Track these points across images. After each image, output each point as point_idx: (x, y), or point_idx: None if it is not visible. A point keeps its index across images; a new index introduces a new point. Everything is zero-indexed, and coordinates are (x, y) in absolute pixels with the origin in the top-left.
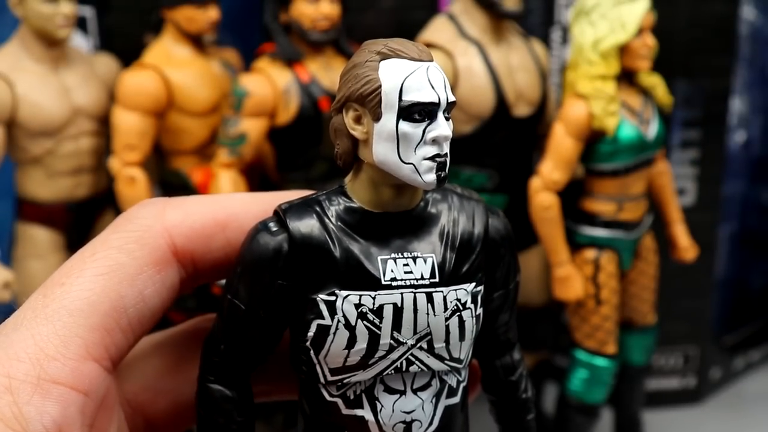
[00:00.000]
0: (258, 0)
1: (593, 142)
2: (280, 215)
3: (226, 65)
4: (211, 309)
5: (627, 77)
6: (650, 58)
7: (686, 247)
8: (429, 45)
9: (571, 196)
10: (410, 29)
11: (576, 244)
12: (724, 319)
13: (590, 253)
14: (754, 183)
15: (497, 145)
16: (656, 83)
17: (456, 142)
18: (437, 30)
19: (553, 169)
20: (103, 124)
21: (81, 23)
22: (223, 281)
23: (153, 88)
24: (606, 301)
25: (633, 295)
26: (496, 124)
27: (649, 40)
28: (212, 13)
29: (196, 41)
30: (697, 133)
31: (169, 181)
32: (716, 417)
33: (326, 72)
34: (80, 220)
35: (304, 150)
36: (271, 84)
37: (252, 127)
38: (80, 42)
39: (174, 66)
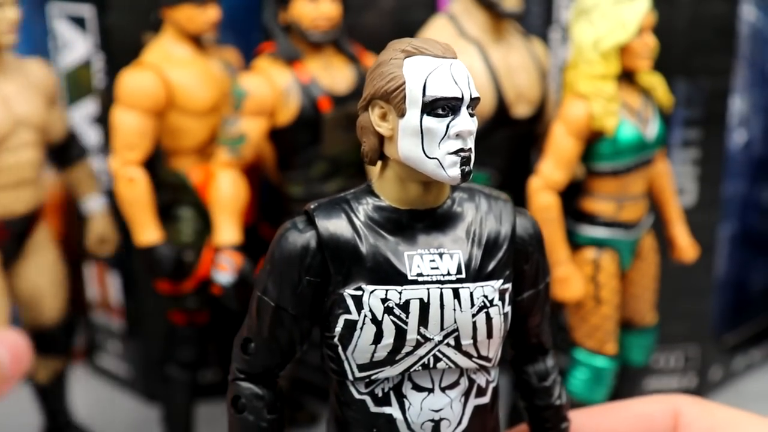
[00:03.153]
0: None
1: (593, 141)
2: (309, 214)
3: (226, 65)
4: (211, 309)
5: (627, 77)
6: (650, 57)
7: (686, 246)
8: None
9: (571, 195)
10: (410, 29)
11: (576, 243)
12: (725, 318)
13: (590, 253)
14: (754, 183)
15: (497, 145)
16: (656, 83)
17: None
18: (437, 30)
19: (553, 168)
20: (42, 134)
21: (80, 22)
22: (222, 280)
23: (152, 87)
24: (606, 301)
25: (633, 296)
26: (495, 124)
27: (650, 40)
28: (212, 13)
29: (195, 41)
30: (698, 132)
31: (168, 181)
32: None
33: (326, 72)
34: (16, 237)
35: (304, 150)
36: (270, 84)
37: (251, 127)
38: (79, 41)
39: (174, 65)
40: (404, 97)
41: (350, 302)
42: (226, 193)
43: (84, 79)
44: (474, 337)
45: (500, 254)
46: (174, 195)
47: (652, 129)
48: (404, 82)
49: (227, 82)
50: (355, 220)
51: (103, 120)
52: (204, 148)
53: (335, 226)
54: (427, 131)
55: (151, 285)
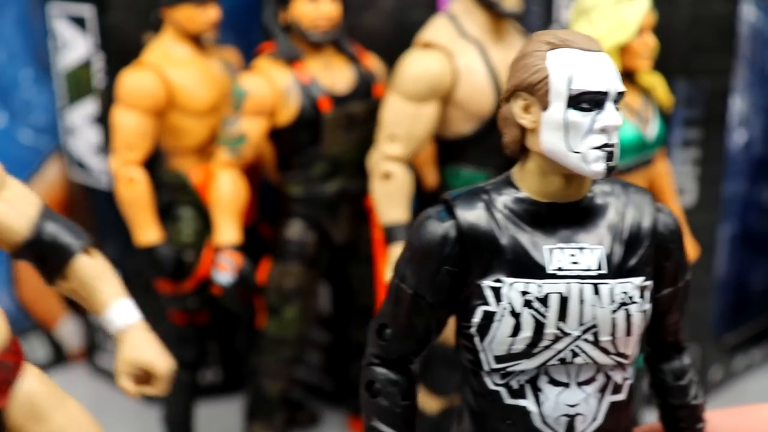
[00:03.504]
0: None
1: None
2: (448, 203)
3: (226, 65)
4: (211, 309)
5: (627, 77)
6: (650, 57)
7: (686, 247)
8: (429, 45)
9: None
10: (410, 29)
11: None
12: (725, 318)
13: None
14: (754, 183)
15: (497, 145)
16: (656, 83)
17: (456, 141)
18: (437, 30)
19: None
20: None
21: (80, 22)
22: (222, 280)
23: (152, 87)
24: None
25: None
26: (495, 124)
27: (650, 40)
28: (212, 13)
29: (195, 41)
30: (698, 132)
31: (168, 181)
32: None
33: (326, 72)
34: None
35: (304, 150)
36: (270, 84)
37: (251, 127)
38: (79, 41)
39: (173, 65)
40: (548, 90)
41: (489, 294)
42: (226, 193)
43: (84, 79)
44: (613, 334)
45: (642, 250)
46: (174, 195)
47: (652, 129)
48: (548, 75)
49: (227, 82)
50: (494, 211)
51: (103, 120)
52: (204, 148)
53: (474, 216)
54: (571, 125)
55: (150, 285)
